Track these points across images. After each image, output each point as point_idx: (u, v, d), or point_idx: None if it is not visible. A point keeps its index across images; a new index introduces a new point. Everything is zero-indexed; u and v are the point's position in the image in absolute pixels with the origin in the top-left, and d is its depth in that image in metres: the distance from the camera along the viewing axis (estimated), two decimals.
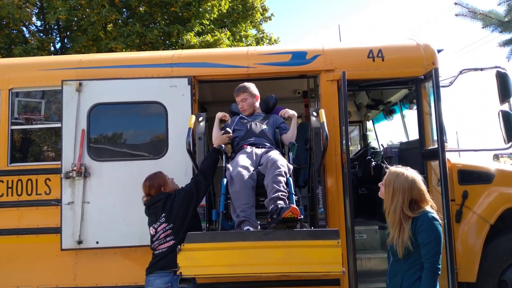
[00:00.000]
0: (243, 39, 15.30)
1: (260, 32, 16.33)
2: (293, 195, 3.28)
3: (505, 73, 4.24)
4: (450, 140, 4.66)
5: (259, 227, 3.18)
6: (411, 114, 5.69)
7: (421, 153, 4.31)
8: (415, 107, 4.72)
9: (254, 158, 3.56)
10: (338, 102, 4.31)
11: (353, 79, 4.26)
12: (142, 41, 12.13)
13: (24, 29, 13.54)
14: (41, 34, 13.85)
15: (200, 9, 12.88)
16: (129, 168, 4.23)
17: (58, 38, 14.34)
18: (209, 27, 13.44)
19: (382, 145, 6.70)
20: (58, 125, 4.40)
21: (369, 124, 7.31)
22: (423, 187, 2.57)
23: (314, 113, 3.93)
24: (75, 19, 12.57)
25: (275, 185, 3.17)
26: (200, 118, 4.03)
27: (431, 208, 2.55)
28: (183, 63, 4.48)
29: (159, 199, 3.39)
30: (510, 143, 4.22)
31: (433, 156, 4.05)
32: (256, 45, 15.07)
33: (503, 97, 4.23)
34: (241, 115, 4.07)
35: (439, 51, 4.52)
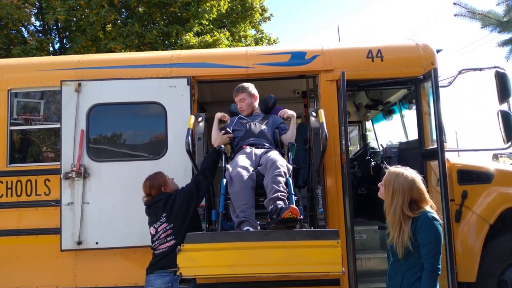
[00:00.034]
0: (242, 39, 15.29)
1: (259, 32, 16.32)
2: (293, 195, 3.28)
3: (504, 73, 4.25)
4: (449, 140, 4.66)
5: (258, 227, 3.17)
6: (410, 114, 5.70)
7: (420, 153, 4.31)
8: (414, 107, 4.72)
9: (254, 158, 3.57)
10: (338, 102, 4.31)
11: (352, 79, 4.26)
12: (141, 42, 12.12)
13: (23, 29, 13.53)
14: (40, 35, 13.83)
15: (199, 9, 12.85)
16: (129, 168, 4.23)
17: (57, 39, 14.32)
18: (208, 27, 13.43)
19: (381, 145, 6.70)
20: (57, 125, 4.40)
21: (368, 124, 7.32)
22: (422, 187, 2.57)
23: (314, 113, 3.94)
24: (74, 19, 12.56)
25: (274, 186, 3.17)
26: (200, 119, 4.03)
27: (431, 208, 2.55)
28: (182, 63, 4.48)
29: (159, 199, 3.39)
30: (509, 143, 4.22)
31: (432, 156, 4.05)
32: (255, 45, 15.06)
33: (502, 97, 4.24)
34: (240, 115, 4.07)
35: (438, 51, 4.52)
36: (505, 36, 4.00)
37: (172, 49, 11.84)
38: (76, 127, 4.26)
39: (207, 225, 3.85)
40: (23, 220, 4.28)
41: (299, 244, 2.89)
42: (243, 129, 3.92)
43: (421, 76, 4.27)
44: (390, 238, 2.59)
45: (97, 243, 4.12)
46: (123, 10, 13.42)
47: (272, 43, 16.07)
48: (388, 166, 2.73)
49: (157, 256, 3.32)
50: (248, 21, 15.44)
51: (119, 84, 4.35)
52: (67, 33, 14.20)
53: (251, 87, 4.05)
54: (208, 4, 13.19)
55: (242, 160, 3.48)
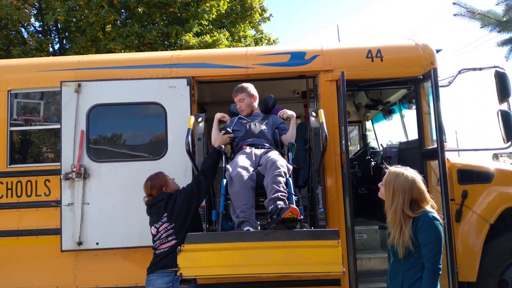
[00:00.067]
0: (242, 39, 15.29)
1: (259, 33, 16.34)
2: (293, 196, 3.28)
3: (504, 72, 4.25)
4: (449, 140, 4.66)
5: (259, 227, 3.18)
6: (410, 114, 5.70)
7: (420, 153, 4.31)
8: (414, 107, 4.73)
9: (254, 158, 3.57)
10: (337, 102, 4.31)
11: (352, 79, 4.26)
12: (141, 42, 12.12)
13: (23, 30, 13.52)
14: (40, 35, 13.82)
15: (199, 10, 12.86)
16: (129, 169, 4.23)
17: (56, 39, 14.32)
18: (207, 27, 13.43)
19: (381, 145, 6.70)
20: (57, 126, 4.40)
21: (368, 124, 7.32)
22: (423, 186, 2.57)
23: (313, 113, 3.94)
24: (74, 20, 12.54)
25: (274, 186, 3.17)
26: (199, 119, 4.03)
27: (432, 207, 2.55)
28: (182, 63, 4.48)
29: (161, 199, 3.39)
30: (509, 143, 4.22)
31: (432, 155, 4.05)
32: (255, 45, 15.06)
33: (502, 97, 4.24)
34: (240, 115, 4.07)
35: (437, 51, 4.52)
36: (505, 35, 4.00)
37: (172, 50, 11.87)
38: (76, 128, 4.26)
39: (207, 225, 3.85)
40: (24, 220, 4.28)
41: (299, 244, 2.89)
42: (243, 129, 3.92)
43: (421, 76, 4.27)
44: (390, 238, 2.59)
45: (97, 243, 4.12)
46: (123, 10, 13.42)
47: (271, 43, 16.09)
48: (388, 166, 2.73)
49: (158, 256, 3.32)
50: (247, 21, 15.45)
51: (119, 85, 4.35)
52: (66, 34, 14.20)
53: (250, 87, 4.05)
54: (207, 4, 13.19)
55: (242, 160, 3.48)
